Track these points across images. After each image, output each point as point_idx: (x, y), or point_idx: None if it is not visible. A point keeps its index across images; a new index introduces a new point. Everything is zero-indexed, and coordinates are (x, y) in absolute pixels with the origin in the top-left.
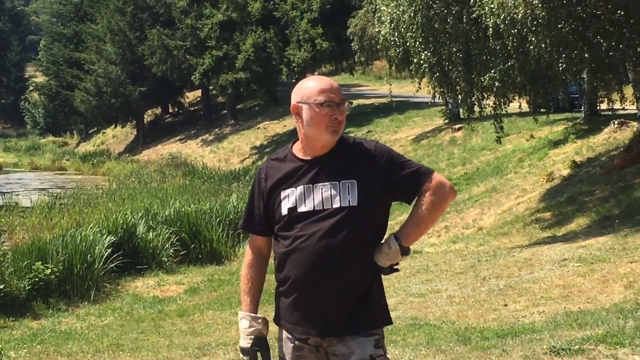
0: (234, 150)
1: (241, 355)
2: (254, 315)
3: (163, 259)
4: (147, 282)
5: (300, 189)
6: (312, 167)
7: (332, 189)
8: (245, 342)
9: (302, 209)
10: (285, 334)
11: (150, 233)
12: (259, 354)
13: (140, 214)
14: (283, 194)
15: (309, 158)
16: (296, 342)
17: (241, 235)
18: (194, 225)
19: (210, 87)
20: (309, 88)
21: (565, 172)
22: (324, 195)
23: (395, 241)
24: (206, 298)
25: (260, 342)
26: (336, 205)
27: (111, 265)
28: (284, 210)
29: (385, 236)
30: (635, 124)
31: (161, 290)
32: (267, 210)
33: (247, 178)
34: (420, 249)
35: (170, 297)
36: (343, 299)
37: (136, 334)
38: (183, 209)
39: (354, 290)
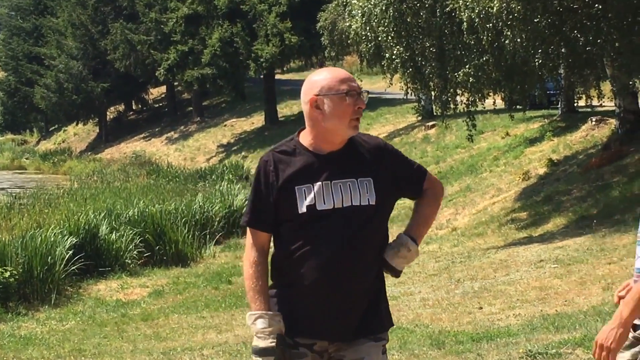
0: (199, 149)
1: (256, 358)
2: (272, 313)
3: (126, 261)
4: (110, 285)
5: (318, 185)
6: (329, 163)
7: (350, 187)
8: (268, 342)
9: (321, 206)
10: (286, 340)
11: (113, 234)
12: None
13: (103, 215)
14: (298, 190)
15: (324, 153)
16: (300, 349)
17: (207, 236)
18: (159, 226)
19: (175, 83)
20: (328, 79)
21: (542, 170)
22: (343, 193)
23: (414, 243)
24: (171, 301)
25: (282, 340)
26: (356, 203)
27: (73, 268)
28: (302, 208)
29: (391, 237)
30: (613, 121)
31: (125, 293)
32: (277, 207)
33: (213, 177)
34: None
35: (134, 301)
36: (359, 303)
37: (99, 338)
38: (147, 210)
39: (369, 292)
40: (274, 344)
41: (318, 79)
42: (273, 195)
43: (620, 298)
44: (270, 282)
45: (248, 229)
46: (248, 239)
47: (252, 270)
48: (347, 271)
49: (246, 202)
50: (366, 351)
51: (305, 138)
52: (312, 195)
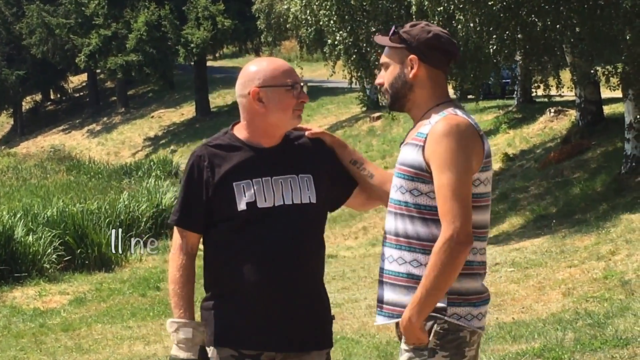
0: (124, 142)
1: None
2: (196, 322)
3: (45, 265)
4: (27, 292)
5: (258, 181)
6: (269, 158)
7: (291, 183)
8: (190, 354)
9: (262, 204)
10: (229, 352)
11: (30, 236)
12: None
13: (19, 215)
14: (237, 186)
15: (263, 147)
16: None
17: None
18: (80, 227)
19: (98, 71)
20: (270, 70)
21: (497, 166)
22: (284, 190)
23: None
24: (94, 310)
25: (203, 352)
26: (297, 201)
27: None
28: (242, 205)
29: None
30: (573, 112)
31: (43, 301)
32: (213, 206)
33: (139, 173)
34: (336, 252)
35: (53, 309)
36: (305, 310)
37: (15, 351)
38: (67, 209)
39: (314, 301)
40: (195, 356)
41: (259, 70)
42: (208, 193)
43: None
44: (206, 292)
45: (176, 228)
46: (175, 240)
47: (178, 274)
48: (290, 274)
49: (175, 200)
50: None
51: (241, 132)
52: (252, 191)
